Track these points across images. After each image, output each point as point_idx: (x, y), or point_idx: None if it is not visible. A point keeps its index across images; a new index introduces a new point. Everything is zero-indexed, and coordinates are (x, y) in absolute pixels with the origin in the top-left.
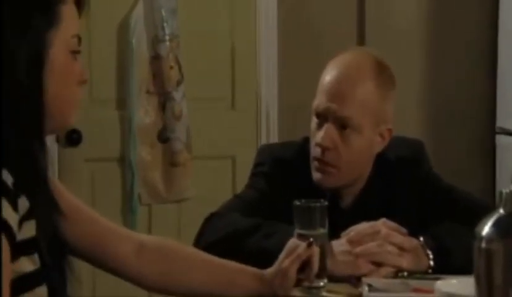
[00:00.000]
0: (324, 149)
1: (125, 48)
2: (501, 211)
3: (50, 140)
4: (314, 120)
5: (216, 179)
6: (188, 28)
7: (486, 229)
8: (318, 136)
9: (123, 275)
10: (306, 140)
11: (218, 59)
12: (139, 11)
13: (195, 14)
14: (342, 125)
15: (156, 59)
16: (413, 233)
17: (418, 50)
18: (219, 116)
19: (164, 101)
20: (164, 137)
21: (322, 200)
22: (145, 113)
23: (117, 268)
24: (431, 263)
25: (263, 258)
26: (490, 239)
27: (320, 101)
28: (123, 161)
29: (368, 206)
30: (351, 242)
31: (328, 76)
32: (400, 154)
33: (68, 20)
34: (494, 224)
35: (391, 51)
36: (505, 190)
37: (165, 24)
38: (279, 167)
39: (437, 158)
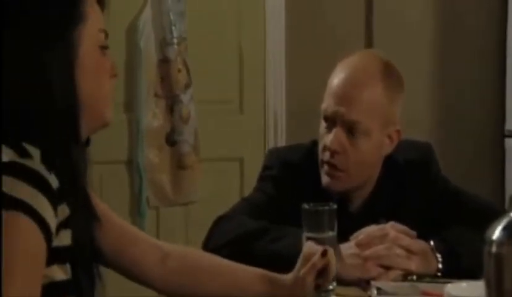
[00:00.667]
0: (333, 152)
1: (133, 51)
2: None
3: None
4: (322, 124)
5: (224, 182)
6: (196, 31)
7: (496, 233)
8: (327, 139)
9: (149, 284)
10: (314, 143)
11: (226, 62)
12: (147, 14)
13: (203, 17)
14: (351, 128)
15: (164, 62)
16: (422, 236)
17: (426, 52)
18: (227, 118)
19: (172, 104)
20: (172, 140)
21: (331, 203)
22: (152, 116)
23: (142, 277)
24: (440, 266)
25: (272, 261)
26: (500, 243)
27: (328, 104)
28: (131, 164)
29: (376, 210)
30: (360, 245)
31: (336, 79)
32: (409, 157)
33: (93, 15)
34: (505, 228)
35: (399, 53)
36: None
37: (173, 27)
38: (287, 171)
39: (446, 161)
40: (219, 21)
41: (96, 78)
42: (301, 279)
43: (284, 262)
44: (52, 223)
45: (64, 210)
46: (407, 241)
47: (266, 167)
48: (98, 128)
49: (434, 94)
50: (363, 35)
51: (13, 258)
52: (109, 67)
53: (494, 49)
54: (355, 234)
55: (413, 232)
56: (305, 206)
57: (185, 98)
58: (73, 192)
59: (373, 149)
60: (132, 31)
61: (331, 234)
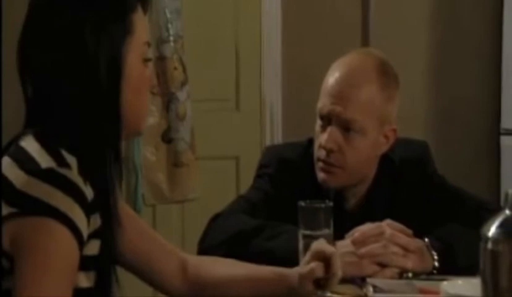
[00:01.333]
0: (328, 151)
1: None
2: (507, 212)
3: None
4: (318, 122)
5: (220, 180)
6: (193, 29)
7: (492, 230)
8: (322, 138)
9: (167, 292)
10: (311, 141)
11: (222, 60)
12: None
13: (199, 15)
14: (346, 127)
15: (160, 59)
16: (418, 234)
17: (422, 50)
18: (223, 116)
19: (168, 101)
20: (168, 138)
21: (327, 201)
22: (149, 114)
23: (162, 285)
24: (436, 264)
25: (268, 259)
26: (495, 240)
27: (323, 103)
28: (128, 161)
29: (373, 208)
30: (355, 243)
31: (332, 78)
32: (404, 156)
33: (140, 27)
34: (500, 226)
35: (395, 52)
36: (511, 191)
37: (169, 25)
38: (284, 169)
39: (442, 159)
40: (216, 19)
41: (138, 90)
42: (303, 278)
43: (279, 259)
44: (85, 232)
45: (96, 221)
46: (403, 239)
47: (262, 165)
48: (130, 138)
49: (430, 92)
50: (360, 33)
51: (49, 263)
52: (149, 79)
53: (490, 48)
54: (351, 232)
55: (409, 231)
56: (301, 203)
57: (181, 95)
58: (106, 204)
59: (368, 148)
60: None
61: (327, 231)
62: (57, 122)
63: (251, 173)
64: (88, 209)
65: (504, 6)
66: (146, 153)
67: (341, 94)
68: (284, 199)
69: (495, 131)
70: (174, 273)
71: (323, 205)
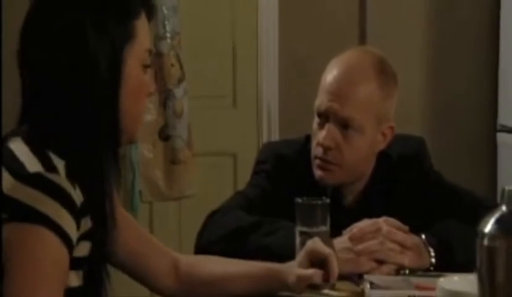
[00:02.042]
0: (325, 149)
1: None
2: (504, 208)
3: None
4: (316, 120)
5: (217, 177)
6: (190, 25)
7: (488, 226)
8: (320, 136)
9: (160, 291)
10: (308, 138)
11: (219, 56)
12: None
13: (196, 12)
14: (344, 125)
15: (157, 56)
16: (415, 230)
17: (419, 47)
18: (220, 113)
19: (165, 98)
20: (165, 135)
21: (324, 198)
22: (146, 111)
23: (154, 284)
24: (433, 260)
25: (265, 255)
26: (492, 236)
27: (321, 100)
28: (125, 158)
29: (370, 204)
30: (353, 239)
31: (330, 76)
32: (401, 152)
33: (142, 34)
34: (497, 222)
35: (391, 49)
36: (507, 188)
37: (166, 21)
38: (281, 165)
39: (438, 155)
40: (212, 15)
41: (135, 96)
42: (300, 279)
43: (276, 255)
44: (74, 236)
45: (87, 223)
46: (400, 235)
47: (260, 162)
48: (124, 145)
49: (427, 89)
50: (357, 31)
51: (38, 270)
52: (147, 86)
53: (486, 45)
54: (348, 229)
55: (406, 227)
56: (299, 200)
57: (178, 92)
58: (99, 207)
59: (366, 145)
60: None
61: (324, 228)
62: (50, 123)
63: (249, 170)
64: (77, 213)
65: (501, 4)
66: (143, 150)
67: (339, 92)
68: (281, 196)
69: (492, 127)
70: (166, 272)
71: (320, 202)
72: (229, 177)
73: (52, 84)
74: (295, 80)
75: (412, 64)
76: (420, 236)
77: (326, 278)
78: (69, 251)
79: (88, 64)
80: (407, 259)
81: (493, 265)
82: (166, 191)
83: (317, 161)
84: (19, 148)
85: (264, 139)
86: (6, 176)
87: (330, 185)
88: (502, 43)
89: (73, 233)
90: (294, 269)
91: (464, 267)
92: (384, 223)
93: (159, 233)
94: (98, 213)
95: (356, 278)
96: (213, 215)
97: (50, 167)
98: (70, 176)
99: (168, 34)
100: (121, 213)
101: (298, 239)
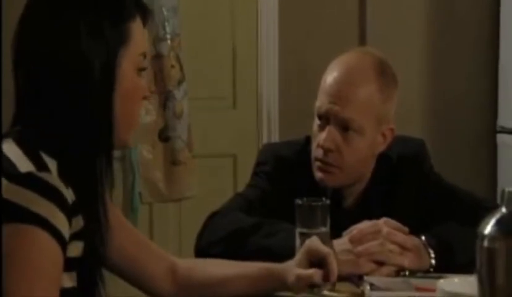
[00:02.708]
0: (326, 151)
1: None
2: (504, 209)
3: None
4: (316, 121)
5: (217, 178)
6: (190, 27)
7: (488, 227)
8: (320, 138)
9: (157, 295)
10: (308, 139)
11: (219, 57)
12: None
13: (196, 13)
14: (344, 126)
15: (157, 57)
16: (415, 232)
17: (419, 48)
18: (220, 114)
19: (165, 100)
20: (165, 136)
21: (324, 199)
22: (146, 112)
23: (151, 289)
24: (433, 262)
25: (265, 256)
26: (492, 237)
27: (321, 102)
28: (125, 159)
29: (370, 206)
30: (352, 241)
31: (330, 77)
32: (401, 153)
33: (137, 37)
34: (497, 223)
35: (391, 50)
36: (507, 189)
37: (166, 23)
38: (281, 167)
39: (438, 156)
40: (212, 17)
41: (128, 100)
42: (299, 278)
43: (277, 257)
44: (67, 236)
45: (78, 222)
46: (400, 236)
47: (260, 163)
48: (116, 149)
49: (427, 90)
50: (357, 32)
51: (35, 269)
52: (142, 89)
53: (486, 46)
54: (348, 230)
55: (406, 229)
56: (298, 201)
57: (178, 93)
58: (90, 206)
59: (366, 147)
60: None
61: (324, 229)
62: (43, 123)
63: (249, 171)
64: (69, 212)
65: (501, 4)
66: (143, 151)
67: (339, 94)
68: (281, 197)
69: (492, 129)
70: (163, 276)
71: (320, 203)
72: (229, 179)
73: (46, 85)
74: (295, 81)
75: (412, 64)
76: (420, 238)
77: (326, 278)
78: (63, 250)
79: (82, 66)
80: (407, 260)
81: (493, 267)
82: (166, 192)
83: (317, 163)
84: (10, 149)
85: (264, 140)
86: None
87: (330, 187)
88: (502, 43)
89: (66, 232)
90: (294, 269)
91: (464, 269)
92: (384, 225)
93: (159, 234)
94: (89, 213)
95: (356, 279)
96: (213, 217)
97: (41, 166)
98: (62, 175)
99: (168, 36)
100: (117, 216)
101: (298, 241)
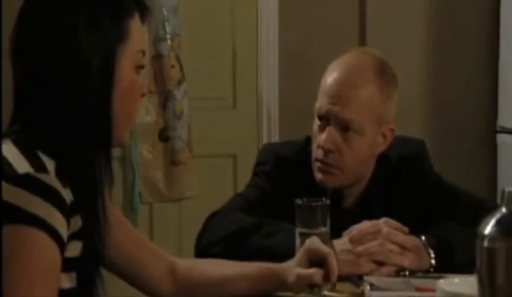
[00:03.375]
0: (326, 151)
1: None
2: (504, 210)
3: None
4: (316, 122)
5: (217, 178)
6: (190, 27)
7: (488, 227)
8: (321, 138)
9: (156, 296)
10: (308, 140)
11: (219, 58)
12: None
13: (196, 13)
14: (344, 127)
15: (157, 57)
16: (415, 232)
17: (419, 49)
18: (220, 114)
19: (165, 100)
20: (165, 136)
21: (324, 199)
22: (146, 112)
23: (151, 289)
24: (433, 262)
25: (265, 257)
26: (492, 237)
27: (321, 103)
28: (125, 160)
29: (370, 206)
30: (353, 241)
31: (330, 78)
32: (401, 154)
33: (136, 34)
34: (497, 223)
35: (391, 50)
36: (507, 189)
37: (166, 23)
38: (281, 167)
39: (438, 157)
40: (212, 16)
41: (126, 97)
42: (300, 278)
43: (277, 257)
44: (65, 236)
45: (77, 222)
46: (400, 237)
47: (260, 163)
48: (114, 146)
49: (427, 90)
50: (357, 32)
51: (34, 270)
52: (140, 87)
53: (486, 46)
54: (348, 230)
55: (406, 229)
56: (298, 201)
57: (178, 94)
58: (89, 206)
59: (366, 147)
60: None
61: (324, 229)
62: (41, 122)
63: (249, 171)
64: (68, 212)
65: (501, 3)
66: (143, 152)
67: (339, 94)
68: (281, 197)
69: (492, 129)
70: (162, 276)
71: (320, 203)
72: (229, 179)
73: (44, 83)
74: (295, 81)
75: (412, 64)
76: (420, 238)
77: (326, 278)
78: (61, 251)
79: (80, 63)
80: (407, 260)
81: (493, 267)
82: (166, 192)
83: (318, 164)
84: (8, 149)
85: (264, 140)
86: None
87: (330, 188)
88: (502, 43)
89: (65, 232)
90: (294, 268)
91: (464, 269)
92: (384, 225)
93: (159, 234)
94: (88, 213)
95: (356, 279)
96: (213, 217)
97: (39, 167)
98: (61, 175)
99: (168, 36)
100: (117, 215)
101: (298, 241)
